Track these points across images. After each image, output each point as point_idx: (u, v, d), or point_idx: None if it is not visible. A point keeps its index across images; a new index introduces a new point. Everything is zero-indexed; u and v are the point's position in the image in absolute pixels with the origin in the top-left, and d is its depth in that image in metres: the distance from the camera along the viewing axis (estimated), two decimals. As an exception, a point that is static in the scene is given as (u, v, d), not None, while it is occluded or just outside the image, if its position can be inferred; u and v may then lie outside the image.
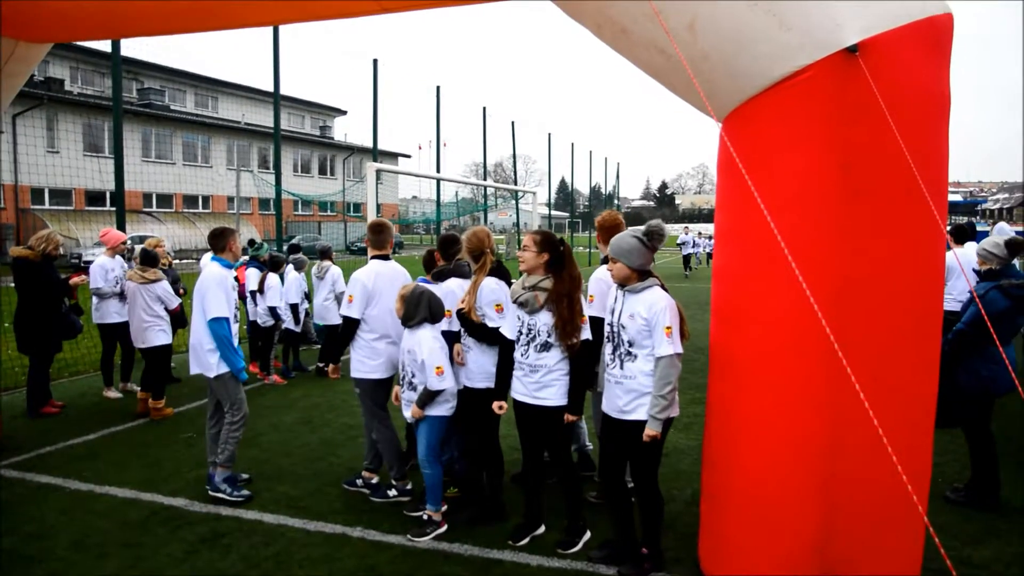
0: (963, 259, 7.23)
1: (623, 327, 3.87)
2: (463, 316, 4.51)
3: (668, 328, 3.71)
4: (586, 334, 4.20)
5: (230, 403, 5.08)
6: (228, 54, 33.98)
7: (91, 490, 5.15)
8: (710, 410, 3.84)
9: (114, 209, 9.89)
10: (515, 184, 29.51)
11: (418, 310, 4.43)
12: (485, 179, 26.62)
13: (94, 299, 7.81)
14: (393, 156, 48.38)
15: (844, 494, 3.29)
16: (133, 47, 27.53)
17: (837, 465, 3.27)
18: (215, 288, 4.98)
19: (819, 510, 3.28)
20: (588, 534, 4.35)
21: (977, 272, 5.26)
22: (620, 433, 3.91)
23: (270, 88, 12.43)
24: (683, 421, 6.60)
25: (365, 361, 5.01)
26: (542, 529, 4.44)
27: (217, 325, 4.95)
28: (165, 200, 37.11)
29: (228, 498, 4.96)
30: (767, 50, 3.17)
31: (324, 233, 40.19)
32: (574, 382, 4.19)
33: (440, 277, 4.98)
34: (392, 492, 5.03)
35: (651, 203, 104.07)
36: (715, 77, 3.37)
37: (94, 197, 32.48)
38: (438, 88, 18.68)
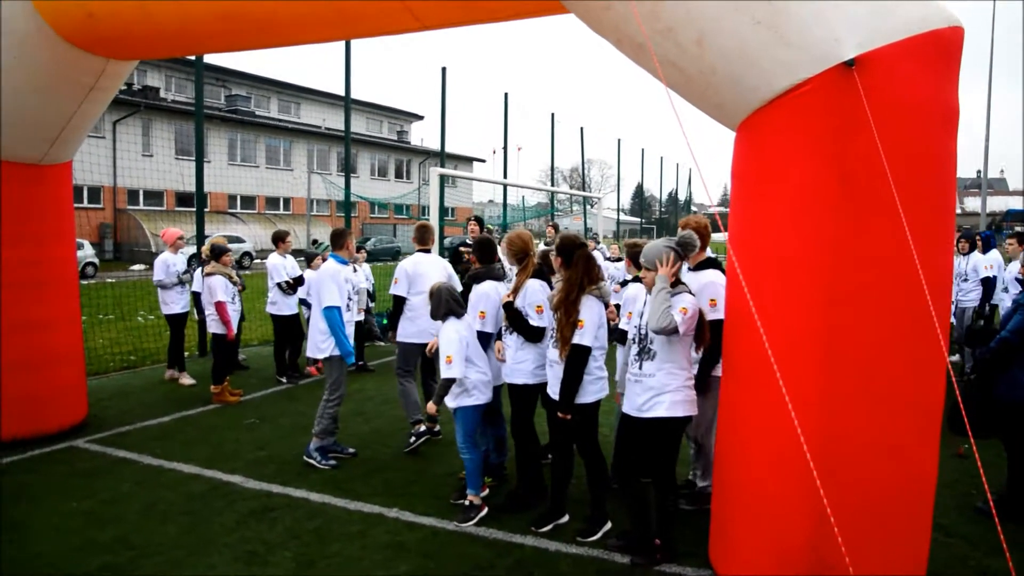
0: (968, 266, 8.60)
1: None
2: (510, 308, 4.79)
3: (684, 308, 3.89)
4: (579, 339, 4.32)
5: (331, 382, 5.78)
6: (311, 62, 35.50)
7: (160, 465, 5.68)
8: (721, 410, 4.00)
9: (195, 211, 10.63)
10: (586, 190, 29.67)
11: (440, 305, 4.81)
12: (553, 184, 26.86)
13: (159, 291, 8.51)
14: (467, 160, 49.20)
15: (841, 495, 3.35)
16: (222, 57, 29.06)
17: (834, 466, 3.36)
18: (328, 281, 5.70)
19: (815, 510, 3.34)
20: (608, 524, 4.55)
21: (1020, 280, 5.21)
22: (637, 431, 4.10)
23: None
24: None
25: (406, 327, 6.14)
26: (565, 518, 4.66)
27: (329, 312, 5.65)
28: (248, 201, 38.83)
29: (317, 464, 5.67)
30: (769, 64, 3.34)
31: (399, 235, 41.22)
32: (562, 383, 4.37)
33: (476, 280, 5.27)
34: (412, 438, 6.00)
35: (728, 209, 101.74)
36: (723, 90, 3.56)
37: (183, 198, 34.33)
38: (506, 95, 19.08)
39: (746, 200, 3.73)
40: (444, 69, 15.81)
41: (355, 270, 9.00)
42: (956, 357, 9.45)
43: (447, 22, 4.88)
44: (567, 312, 4.37)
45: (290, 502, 4.99)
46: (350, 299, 6.02)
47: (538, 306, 4.76)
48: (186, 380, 8.56)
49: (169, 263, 8.50)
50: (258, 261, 28.53)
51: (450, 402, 4.75)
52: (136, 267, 26.96)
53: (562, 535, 4.50)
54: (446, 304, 4.80)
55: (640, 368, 4.09)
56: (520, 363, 4.80)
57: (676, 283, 4.08)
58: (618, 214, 32.52)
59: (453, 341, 4.68)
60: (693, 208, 45.33)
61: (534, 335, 4.74)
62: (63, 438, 6.29)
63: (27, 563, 4.12)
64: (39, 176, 6.26)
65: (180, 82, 39.58)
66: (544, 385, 4.73)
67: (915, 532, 3.60)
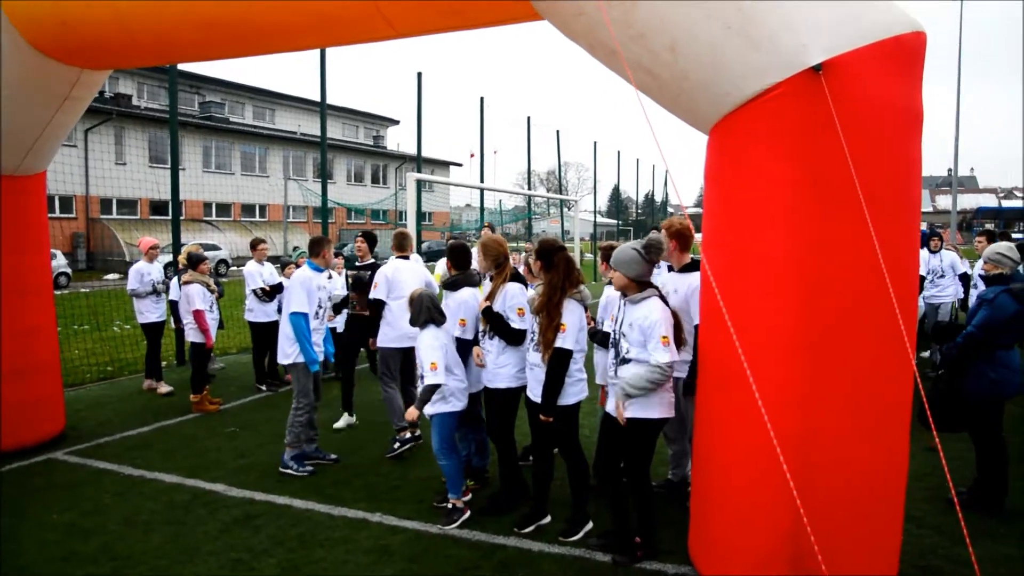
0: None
1: (623, 335, 4.16)
2: (490, 313, 4.82)
3: (664, 338, 3.96)
4: (561, 342, 4.37)
5: (298, 390, 5.73)
6: (285, 68, 35.40)
7: (142, 475, 5.65)
8: (697, 408, 4.08)
9: (171, 219, 10.56)
10: (563, 192, 29.82)
11: (420, 313, 4.80)
12: (530, 188, 26.97)
13: (134, 300, 8.47)
14: (444, 165, 49.19)
15: (817, 490, 3.44)
16: (196, 64, 28.75)
17: (809, 461, 3.44)
18: (297, 287, 5.69)
19: (792, 505, 3.38)
20: (590, 524, 4.61)
21: (984, 277, 5.35)
22: (617, 430, 4.18)
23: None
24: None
25: (387, 332, 6.20)
26: (547, 519, 4.72)
27: (295, 319, 5.61)
28: (224, 209, 38.51)
29: (295, 473, 5.65)
30: (740, 70, 3.42)
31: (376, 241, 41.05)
32: (545, 386, 4.42)
33: (453, 287, 5.30)
34: (396, 444, 6.06)
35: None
36: (695, 95, 3.64)
37: (157, 207, 33.95)
38: (481, 99, 19.13)
39: (718, 202, 3.82)
40: (420, 74, 15.84)
41: (330, 277, 8.99)
42: (928, 353, 9.65)
43: (422, 29, 4.93)
44: (549, 315, 4.41)
45: (273, 509, 4.99)
46: (321, 307, 5.98)
47: (519, 308, 4.78)
48: (163, 389, 8.51)
49: (143, 272, 8.45)
50: (235, 268, 28.31)
51: (428, 409, 4.74)
52: (110, 276, 26.64)
53: (545, 536, 4.56)
54: (427, 312, 4.80)
55: (616, 374, 4.19)
56: (502, 367, 4.83)
57: (646, 286, 4.16)
58: (595, 216, 32.69)
59: (436, 348, 4.70)
60: (670, 210, 45.68)
61: (516, 338, 4.77)
62: (41, 450, 6.23)
63: (11, 575, 4.09)
64: (14, 186, 6.21)
65: (153, 89, 39.18)
66: (524, 388, 4.78)
67: (888, 525, 3.69)
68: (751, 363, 3.39)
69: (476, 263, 5.40)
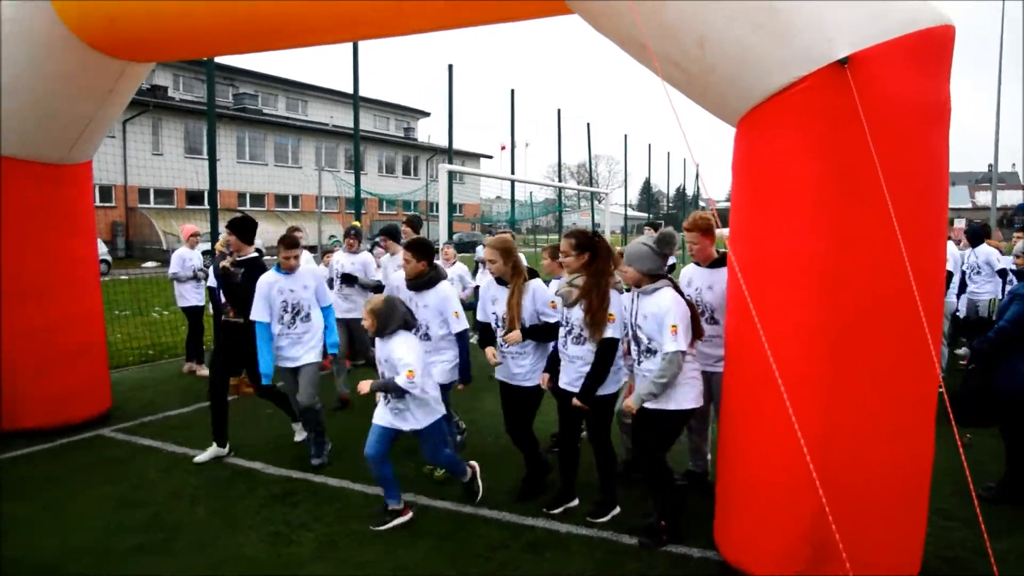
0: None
1: (639, 327, 4.26)
2: (534, 329, 4.77)
3: (674, 327, 4.04)
4: (610, 332, 4.38)
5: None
6: (317, 60, 35.86)
7: (184, 452, 5.90)
8: (724, 399, 4.15)
9: (208, 208, 10.83)
10: (594, 185, 29.80)
11: (393, 319, 4.53)
12: (560, 180, 26.99)
13: (175, 284, 8.77)
14: (475, 157, 49.38)
15: (838, 481, 3.47)
16: (230, 56, 29.29)
17: (831, 453, 3.49)
18: (256, 292, 5.48)
19: (815, 495, 3.40)
20: (618, 508, 4.72)
21: (1016, 271, 5.33)
22: (646, 421, 4.25)
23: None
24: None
25: None
26: (575, 502, 4.83)
27: (256, 326, 5.49)
28: (258, 199, 39.11)
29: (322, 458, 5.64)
30: (766, 64, 3.49)
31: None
32: (589, 375, 4.42)
33: (429, 284, 5.11)
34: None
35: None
36: (723, 88, 3.72)
37: (193, 196, 34.61)
38: (512, 92, 19.20)
39: (745, 194, 3.89)
40: (451, 67, 15.97)
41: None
42: (964, 350, 9.57)
43: (455, 23, 5.05)
44: (600, 303, 4.36)
45: (310, 487, 5.19)
46: (286, 311, 5.56)
47: (551, 303, 4.79)
48: (203, 372, 8.78)
49: (185, 258, 8.79)
50: (268, 258, 28.75)
51: (381, 418, 4.56)
52: (148, 264, 27.24)
53: (572, 518, 4.68)
54: (401, 318, 4.58)
55: (639, 365, 4.30)
56: (537, 364, 4.88)
57: (657, 278, 4.23)
58: (625, 210, 32.63)
59: (416, 356, 4.48)
60: (701, 203, 45.29)
61: (555, 333, 4.75)
62: (89, 427, 6.52)
63: (67, 543, 4.34)
64: (63, 175, 6.47)
65: (188, 81, 39.84)
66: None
67: (911, 519, 3.73)
68: (775, 356, 3.43)
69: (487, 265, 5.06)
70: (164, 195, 34.13)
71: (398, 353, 4.44)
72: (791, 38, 3.41)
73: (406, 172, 49.72)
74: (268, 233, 32.28)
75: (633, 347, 4.37)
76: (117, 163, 30.18)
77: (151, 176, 31.43)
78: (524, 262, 4.98)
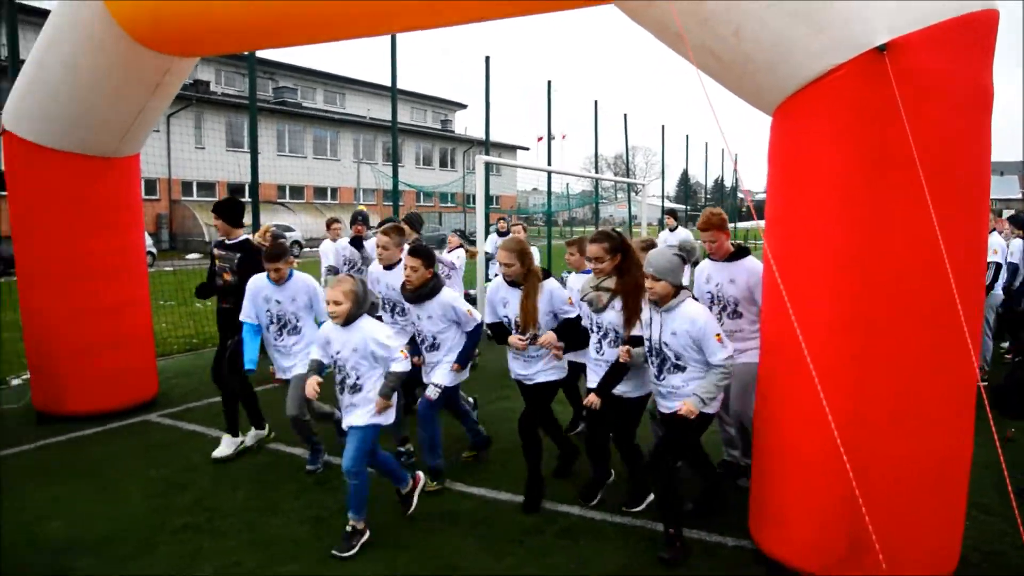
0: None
1: (665, 344, 4.07)
2: (566, 333, 4.60)
3: (718, 335, 3.95)
4: (637, 330, 4.31)
5: None
6: (355, 53, 36.33)
7: (228, 438, 6.08)
8: (759, 387, 4.13)
9: (250, 201, 11.05)
10: (631, 177, 29.66)
11: (367, 300, 4.26)
12: (597, 172, 26.90)
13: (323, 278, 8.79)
14: (511, 149, 49.39)
15: (872, 473, 3.45)
16: (270, 50, 29.79)
17: (864, 444, 3.46)
18: (246, 291, 5.30)
19: (847, 486, 3.39)
20: (652, 496, 4.72)
21: None
22: (669, 424, 4.20)
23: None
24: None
25: None
26: (612, 476, 4.89)
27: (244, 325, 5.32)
28: (297, 191, 39.68)
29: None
30: (803, 51, 3.46)
31: (444, 223, 41.70)
32: (608, 372, 4.39)
33: (431, 294, 4.84)
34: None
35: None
36: (759, 77, 3.70)
37: (234, 189, 35.18)
38: (549, 83, 19.17)
39: (780, 183, 3.87)
40: (488, 58, 16.00)
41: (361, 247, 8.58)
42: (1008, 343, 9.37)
43: (494, 14, 5.08)
44: (637, 304, 4.29)
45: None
46: (272, 321, 5.29)
47: (568, 299, 4.69)
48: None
49: (337, 249, 8.63)
50: (308, 250, 29.26)
51: (358, 418, 4.20)
52: (191, 256, 27.83)
53: (605, 507, 4.73)
54: (369, 301, 4.30)
55: (662, 378, 4.15)
56: (553, 360, 4.72)
57: (678, 290, 4.07)
58: (662, 201, 32.36)
59: (397, 334, 4.39)
60: (739, 195, 44.70)
61: (585, 333, 4.61)
62: (137, 412, 6.75)
63: (118, 521, 4.53)
64: (113, 168, 6.68)
65: (229, 75, 40.53)
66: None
67: (947, 513, 3.69)
68: (808, 345, 3.41)
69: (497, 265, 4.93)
70: (206, 188, 34.82)
71: (380, 336, 4.15)
72: (828, 25, 3.38)
73: (443, 164, 49.98)
74: (308, 225, 32.79)
75: (652, 360, 4.20)
76: (161, 157, 30.86)
77: (194, 169, 32.07)
78: (537, 258, 4.87)
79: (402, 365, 4.15)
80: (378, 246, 5.58)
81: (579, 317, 4.64)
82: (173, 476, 5.25)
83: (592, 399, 4.40)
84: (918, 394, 3.48)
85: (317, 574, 3.95)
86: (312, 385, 4.12)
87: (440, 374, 4.89)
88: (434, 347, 4.91)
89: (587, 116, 22.53)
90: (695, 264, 5.12)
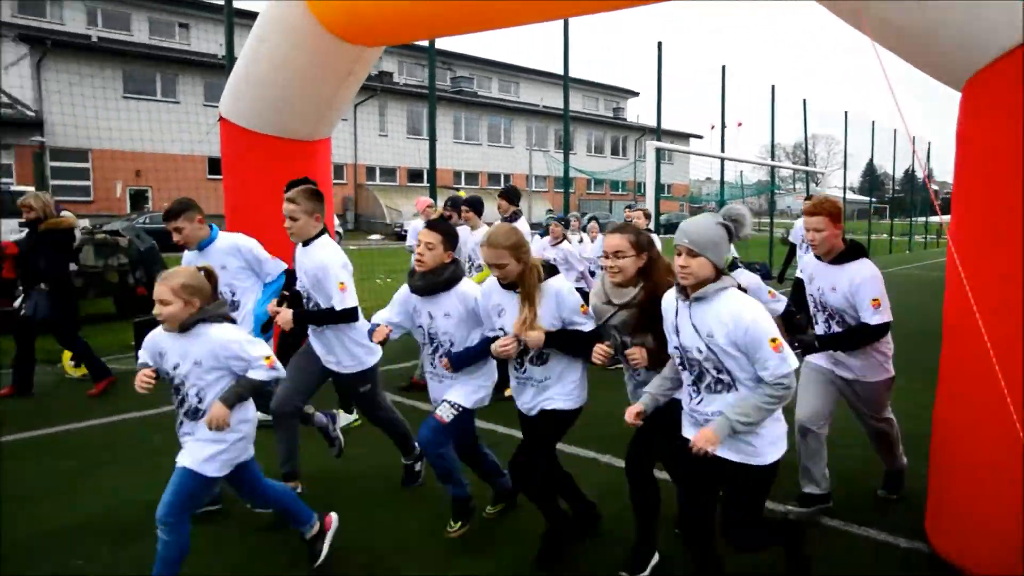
0: None
1: (700, 351, 2.92)
2: (558, 335, 3.51)
3: (774, 341, 2.77)
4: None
5: None
6: (528, 42, 36.96)
7: (413, 405, 6.53)
8: (940, 384, 3.85)
9: (428, 185, 11.72)
10: (808, 166, 28.07)
11: (212, 298, 3.31)
12: (773, 159, 25.71)
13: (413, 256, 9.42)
14: (684, 137, 48.29)
15: None
16: (447, 41, 31.08)
17: None
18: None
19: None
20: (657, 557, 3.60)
21: None
22: (718, 477, 3.05)
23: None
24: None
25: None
26: (657, 558, 3.59)
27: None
28: (472, 177, 41.24)
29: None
30: (998, 16, 3.18)
31: (614, 211, 41.63)
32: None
33: (448, 285, 3.87)
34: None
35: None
36: (945, 47, 3.45)
37: (414, 174, 37.25)
38: (723, 68, 18.59)
39: (969, 167, 3.57)
40: (660, 44, 15.77)
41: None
42: None
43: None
44: (656, 309, 3.26)
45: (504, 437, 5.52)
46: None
47: (582, 307, 3.56)
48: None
49: (419, 229, 9.39)
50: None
51: (201, 452, 3.20)
52: (373, 237, 29.84)
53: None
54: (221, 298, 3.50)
55: (698, 401, 3.01)
56: (571, 383, 3.62)
57: (718, 274, 2.92)
58: (844, 192, 30.31)
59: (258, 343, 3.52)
60: (934, 187, 40.81)
61: (588, 343, 3.45)
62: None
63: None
64: (310, 151, 7.38)
65: (410, 67, 42.74)
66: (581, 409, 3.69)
67: None
68: (998, 356, 3.13)
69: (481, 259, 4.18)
70: (388, 173, 37.09)
71: (233, 346, 3.16)
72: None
73: (614, 152, 49.83)
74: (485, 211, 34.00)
75: (686, 376, 3.06)
76: (348, 143, 33.23)
77: (377, 155, 34.23)
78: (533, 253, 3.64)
79: (262, 373, 3.17)
80: (425, 245, 4.46)
81: (595, 332, 3.51)
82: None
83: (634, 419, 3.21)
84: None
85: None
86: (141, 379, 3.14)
87: (458, 391, 3.87)
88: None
89: (764, 103, 21.53)
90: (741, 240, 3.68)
